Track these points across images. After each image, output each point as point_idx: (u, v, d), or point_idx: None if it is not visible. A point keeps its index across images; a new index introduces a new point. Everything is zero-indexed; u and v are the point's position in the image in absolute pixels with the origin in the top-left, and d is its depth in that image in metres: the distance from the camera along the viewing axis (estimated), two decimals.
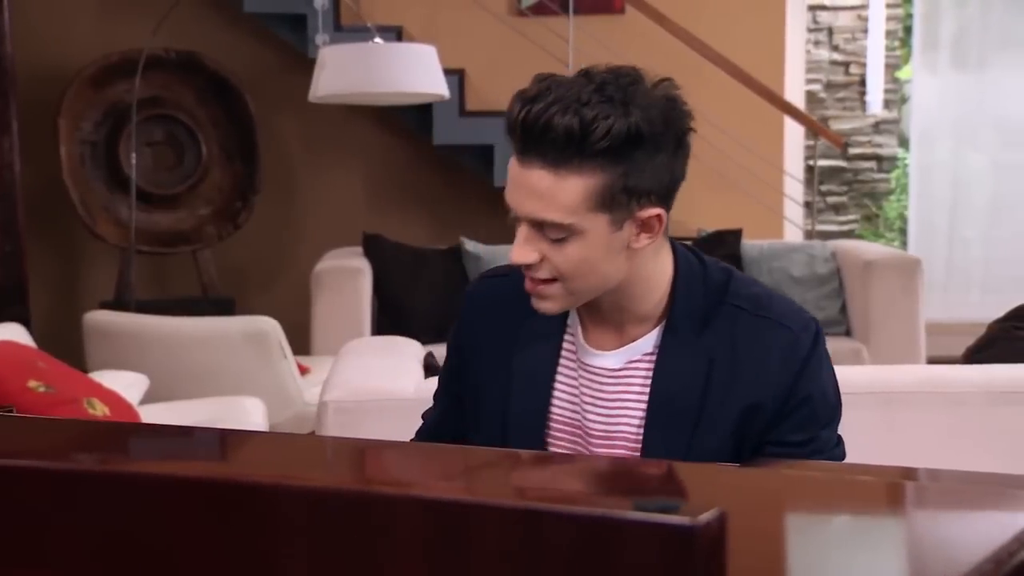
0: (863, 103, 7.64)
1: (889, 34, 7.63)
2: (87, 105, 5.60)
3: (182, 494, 0.78)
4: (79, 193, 5.51)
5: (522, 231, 1.52)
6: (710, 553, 0.60)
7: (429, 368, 2.68)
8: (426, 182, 6.03)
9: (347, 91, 4.55)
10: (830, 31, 7.59)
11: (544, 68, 5.71)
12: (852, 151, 7.57)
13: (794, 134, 6.21)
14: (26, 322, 4.37)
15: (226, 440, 1.16)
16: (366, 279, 4.90)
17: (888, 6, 7.59)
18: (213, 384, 3.86)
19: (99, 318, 4.21)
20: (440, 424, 1.78)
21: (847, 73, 7.62)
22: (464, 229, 5.57)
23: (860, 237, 7.47)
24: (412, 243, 5.30)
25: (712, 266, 1.62)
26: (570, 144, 1.44)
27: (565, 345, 1.64)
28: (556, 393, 1.63)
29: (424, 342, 3.10)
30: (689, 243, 1.72)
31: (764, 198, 5.76)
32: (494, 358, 1.65)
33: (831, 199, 7.68)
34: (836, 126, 7.48)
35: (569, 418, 1.63)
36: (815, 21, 7.50)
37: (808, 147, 6.56)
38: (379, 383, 2.47)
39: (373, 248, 5.10)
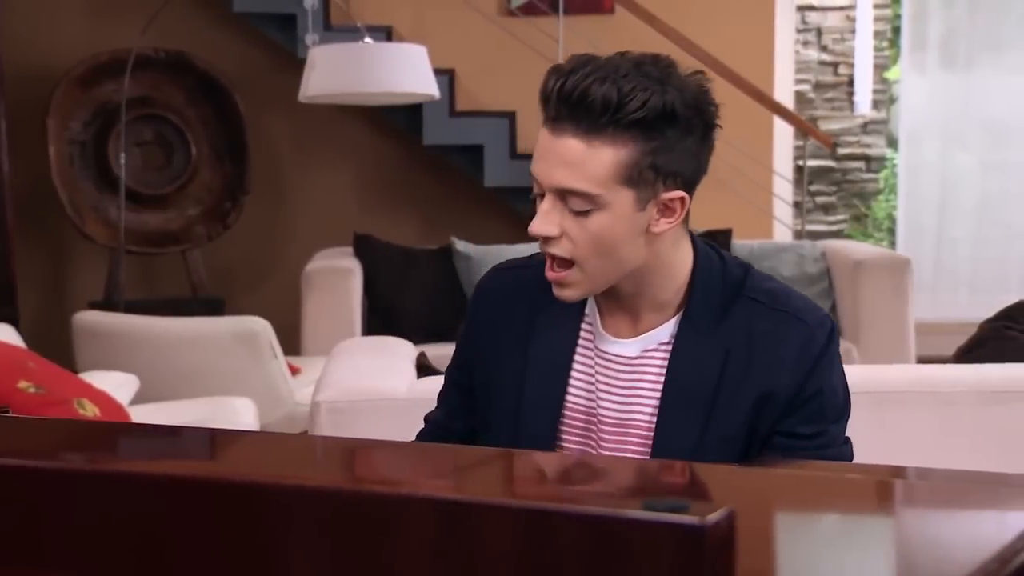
0: (851, 103, 7.66)
1: (878, 35, 7.65)
2: (76, 105, 5.58)
3: (184, 493, 0.77)
4: (68, 193, 5.50)
5: (545, 203, 1.53)
6: (719, 552, 0.60)
7: (422, 368, 2.68)
8: (416, 182, 6.02)
9: (337, 91, 4.55)
10: (819, 31, 7.61)
11: (534, 68, 5.70)
12: (841, 151, 7.59)
13: (783, 134, 6.22)
14: (15, 322, 4.35)
15: (223, 440, 1.15)
16: (356, 279, 4.89)
17: (877, 7, 7.61)
18: (203, 384, 3.85)
19: (89, 318, 4.19)
20: (449, 422, 1.78)
21: (836, 73, 7.64)
22: (454, 229, 5.57)
23: (849, 237, 7.49)
24: (402, 243, 5.30)
25: (730, 261, 1.64)
26: (605, 113, 1.46)
27: (582, 333, 1.65)
28: (572, 381, 1.64)
29: (415, 342, 3.09)
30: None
31: (754, 198, 5.77)
32: (509, 348, 1.66)
33: (820, 199, 7.69)
34: (825, 126, 7.50)
35: (584, 406, 1.63)
36: (804, 21, 7.52)
37: (797, 147, 6.58)
38: (372, 383, 2.47)
39: (363, 248, 5.09)
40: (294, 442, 1.23)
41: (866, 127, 7.70)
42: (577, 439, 1.64)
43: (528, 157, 5.66)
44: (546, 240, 1.54)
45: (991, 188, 7.09)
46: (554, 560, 0.63)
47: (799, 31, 7.38)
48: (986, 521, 1.10)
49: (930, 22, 7.08)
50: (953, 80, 7.07)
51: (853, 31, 7.59)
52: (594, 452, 1.63)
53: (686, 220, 1.58)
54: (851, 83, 7.64)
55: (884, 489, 1.27)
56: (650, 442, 1.59)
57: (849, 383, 1.66)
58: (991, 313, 3.00)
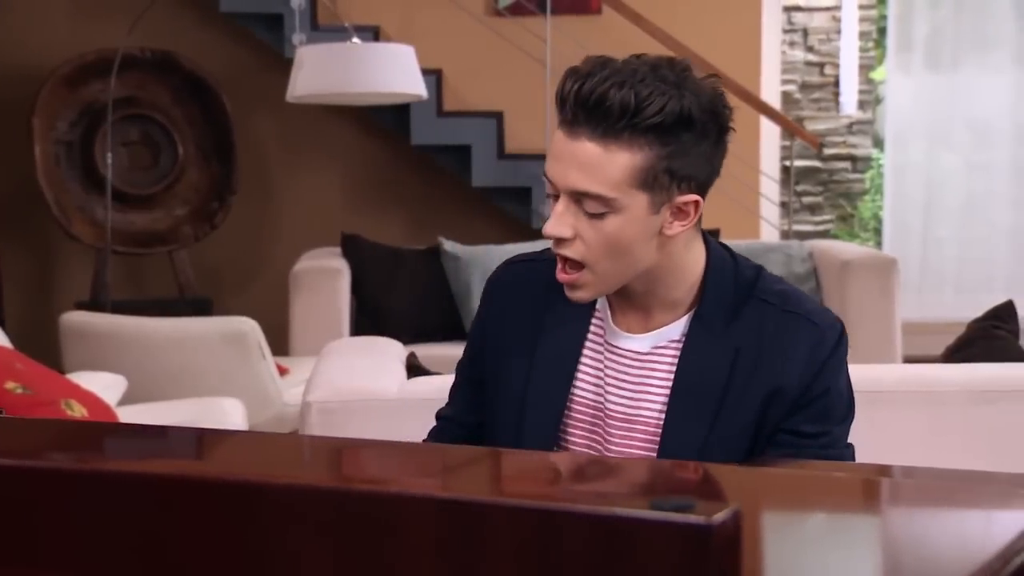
0: (838, 104, 7.69)
1: (863, 35, 7.67)
2: (62, 104, 5.56)
3: (185, 493, 0.77)
4: (54, 193, 5.48)
5: (559, 205, 1.53)
6: (725, 551, 0.60)
7: (412, 369, 2.68)
8: (404, 182, 6.02)
9: (325, 91, 4.54)
10: (805, 32, 7.63)
11: (522, 69, 5.67)
12: (827, 151, 7.61)
13: (770, 134, 6.24)
14: (0, 323, 4.34)
15: (220, 440, 1.15)
16: (344, 279, 4.88)
17: (862, 7, 7.63)
18: (192, 385, 3.84)
19: (76, 319, 4.18)
20: (461, 417, 1.78)
21: (822, 74, 7.66)
22: (442, 229, 5.56)
23: (835, 237, 7.51)
24: (390, 243, 5.30)
25: (742, 262, 1.65)
26: (623, 117, 1.47)
27: (592, 328, 1.66)
28: (579, 375, 1.65)
29: (403, 342, 3.09)
30: None
31: (741, 198, 5.78)
32: (518, 341, 1.67)
33: (806, 199, 7.71)
34: (811, 127, 7.52)
35: (591, 400, 1.64)
36: (790, 22, 7.54)
37: (784, 147, 6.59)
38: (362, 383, 2.46)
39: (352, 248, 5.09)
40: (291, 442, 1.22)
41: (852, 127, 7.72)
42: (584, 434, 1.65)
43: (515, 157, 5.71)
44: (559, 241, 1.54)
45: (976, 188, 7.12)
46: (560, 560, 0.63)
47: (785, 32, 7.39)
48: (971, 520, 1.11)
49: (915, 23, 7.10)
50: (938, 80, 7.09)
51: (839, 32, 7.61)
52: (600, 447, 1.64)
53: (698, 222, 1.59)
54: (837, 83, 7.66)
55: (870, 488, 1.28)
56: (657, 438, 1.59)
57: None
58: (977, 313, 3.01)
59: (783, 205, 6.63)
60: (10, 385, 3.06)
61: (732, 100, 1.59)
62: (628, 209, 1.50)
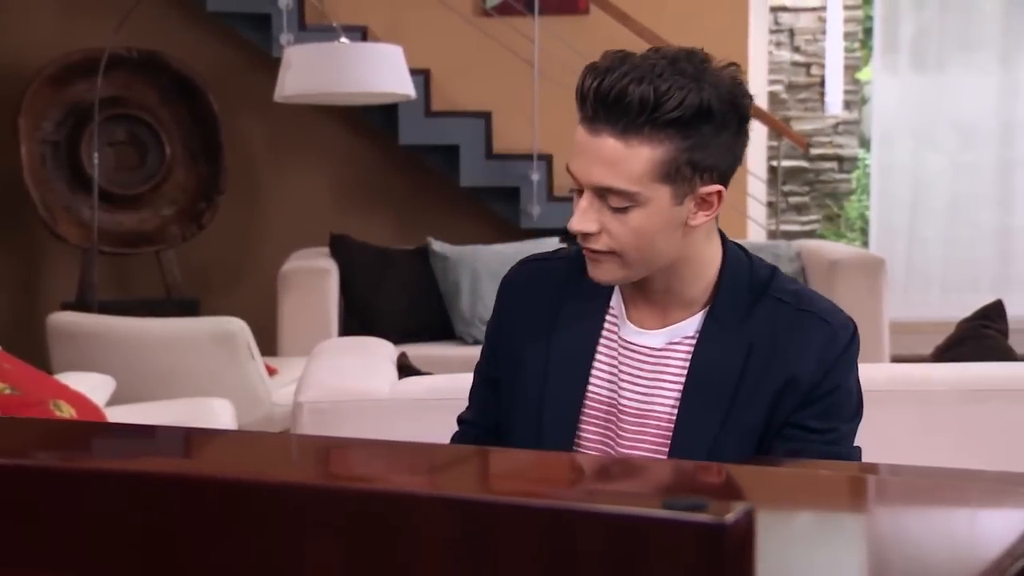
0: (824, 104, 7.71)
1: (850, 36, 7.69)
2: (48, 104, 5.54)
3: (191, 493, 0.77)
4: (40, 193, 5.45)
5: (584, 200, 1.55)
6: (740, 550, 0.60)
7: (403, 369, 2.68)
8: (392, 182, 6.01)
9: (313, 91, 4.54)
10: (791, 32, 7.64)
11: (510, 69, 5.66)
12: (813, 152, 7.63)
13: (757, 134, 6.25)
14: None
15: (215, 440, 1.15)
16: (333, 279, 4.88)
17: (848, 8, 7.65)
18: (180, 386, 3.83)
19: (64, 319, 4.16)
20: (481, 419, 1.78)
21: (808, 74, 7.68)
22: (430, 229, 5.56)
23: (822, 237, 7.53)
24: (378, 243, 5.29)
25: (757, 261, 1.66)
26: (643, 112, 1.48)
27: (606, 325, 1.67)
28: (594, 372, 1.66)
29: (393, 343, 3.09)
30: None
31: (728, 198, 5.78)
32: (533, 339, 1.68)
33: (793, 199, 7.73)
34: (797, 127, 7.54)
35: (605, 397, 1.65)
36: (776, 22, 7.55)
37: (771, 147, 6.61)
38: (354, 383, 2.46)
39: (340, 248, 5.08)
40: (298, 442, 1.22)
41: (838, 127, 7.75)
42: (597, 429, 1.65)
43: (503, 157, 5.71)
44: (585, 236, 1.56)
45: (962, 188, 7.15)
46: (574, 559, 0.63)
47: (772, 32, 7.41)
48: (956, 518, 1.11)
49: (901, 23, 7.13)
50: (924, 81, 7.12)
51: (825, 32, 7.63)
52: (612, 443, 1.65)
53: (717, 217, 1.61)
54: (823, 84, 7.68)
55: (857, 485, 1.28)
56: (669, 434, 1.60)
57: None
58: (963, 312, 3.03)
59: (770, 205, 6.64)
60: None
61: None
62: (652, 202, 1.51)
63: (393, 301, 4.99)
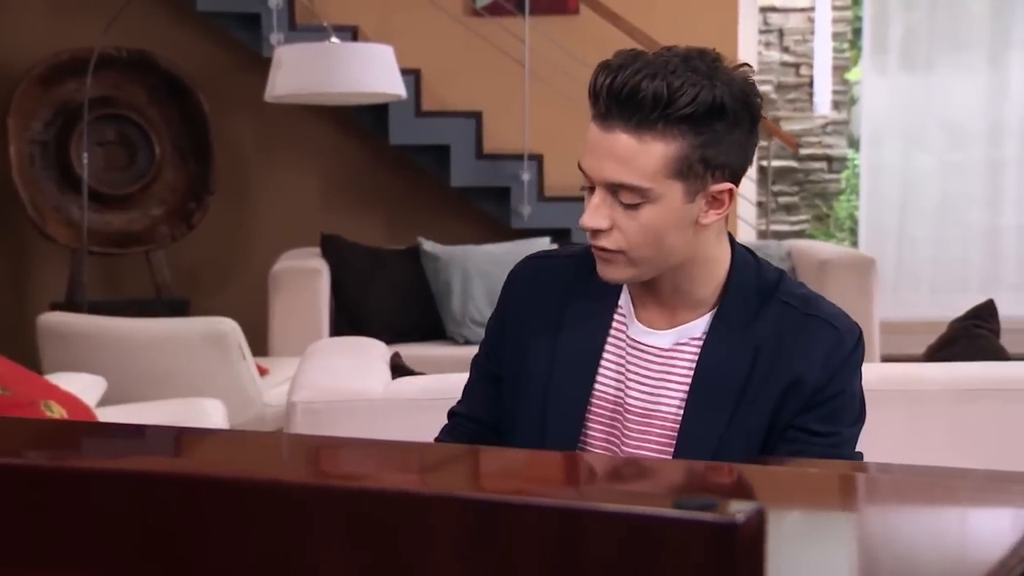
0: (813, 104, 7.72)
1: (839, 36, 7.71)
2: (37, 104, 5.52)
3: (196, 492, 0.77)
4: (29, 193, 5.44)
5: (595, 196, 1.55)
6: (750, 549, 0.60)
7: (396, 369, 2.68)
8: (382, 182, 6.01)
9: (304, 91, 4.53)
10: (781, 33, 7.66)
11: (500, 68, 5.65)
12: (803, 152, 7.65)
13: None
14: None
15: (211, 439, 1.15)
16: (324, 280, 4.88)
17: (837, 8, 7.67)
18: (171, 386, 3.82)
19: (54, 319, 4.15)
20: (477, 413, 1.77)
21: (797, 74, 7.70)
22: (421, 229, 5.56)
23: (811, 237, 7.55)
24: (368, 243, 5.28)
25: (765, 264, 1.67)
26: (656, 108, 1.48)
27: (615, 324, 1.67)
28: (601, 370, 1.66)
29: (385, 343, 3.09)
30: None
31: None
32: (539, 337, 1.67)
33: (782, 199, 7.75)
34: (787, 127, 7.55)
35: (612, 396, 1.65)
36: (766, 23, 7.57)
37: (761, 147, 6.61)
38: (347, 383, 2.46)
39: (331, 248, 5.08)
40: (303, 442, 1.22)
41: (827, 128, 7.76)
42: (602, 428, 1.66)
43: (494, 157, 5.70)
44: (595, 233, 1.56)
45: (950, 188, 7.17)
46: (584, 559, 0.63)
47: (761, 32, 7.42)
48: (945, 516, 1.11)
49: (890, 24, 7.14)
50: (913, 81, 7.14)
51: (814, 32, 7.65)
52: (618, 442, 1.65)
53: (727, 219, 1.61)
54: (812, 84, 7.70)
55: (846, 483, 1.28)
56: (674, 434, 1.61)
57: None
58: (952, 312, 3.04)
59: (760, 205, 6.65)
60: None
61: None
62: (664, 198, 1.52)
63: (384, 301, 4.99)
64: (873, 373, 2.75)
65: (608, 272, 1.59)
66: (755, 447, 1.58)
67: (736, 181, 1.57)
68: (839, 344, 1.60)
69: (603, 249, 1.57)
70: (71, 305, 5.19)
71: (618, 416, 1.64)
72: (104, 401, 3.56)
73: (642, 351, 1.64)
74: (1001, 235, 7.14)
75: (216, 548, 0.74)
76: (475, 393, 1.79)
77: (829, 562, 0.93)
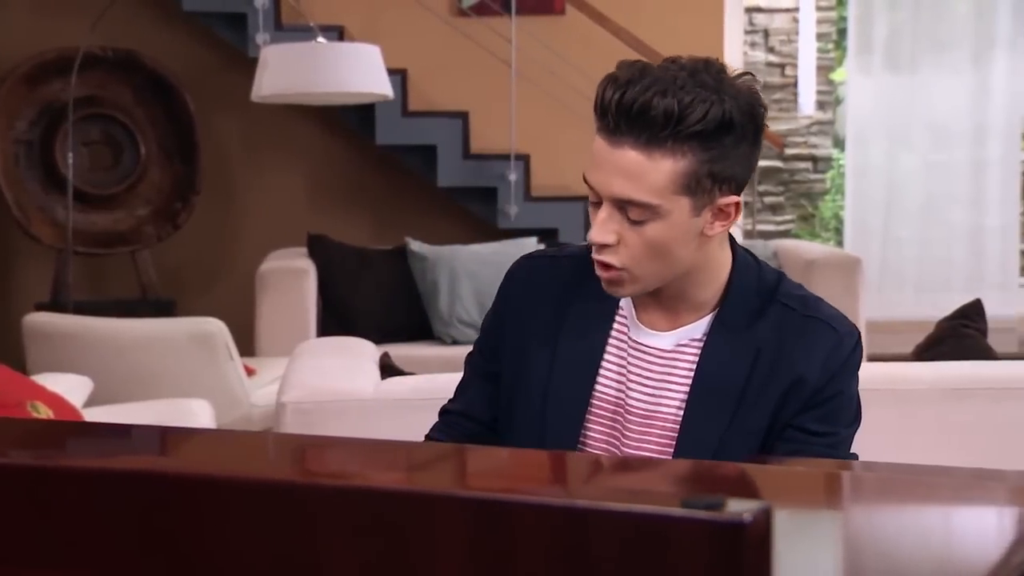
0: (798, 104, 7.74)
1: (824, 37, 7.73)
2: (21, 103, 5.50)
3: (199, 492, 0.77)
4: (13, 193, 5.42)
5: (603, 211, 1.55)
6: (758, 548, 0.61)
7: (385, 368, 2.68)
8: (369, 182, 6.00)
9: (290, 91, 4.53)
10: (766, 33, 7.68)
11: (486, 68, 5.67)
12: (788, 152, 7.66)
13: None
14: None
15: (189, 437, 1.14)
16: (311, 280, 4.87)
17: (821, 9, 7.69)
18: (158, 386, 3.81)
19: (40, 320, 4.13)
20: (472, 412, 1.76)
21: (783, 75, 7.71)
22: (408, 229, 5.55)
23: (797, 237, 7.57)
24: (355, 243, 5.28)
25: (765, 266, 1.68)
26: (667, 126, 1.48)
27: (616, 326, 1.67)
28: (602, 371, 1.66)
29: (373, 343, 3.08)
30: None
31: None
32: (539, 337, 1.67)
33: (768, 199, 7.76)
34: (772, 127, 7.56)
35: (613, 396, 1.65)
36: (751, 23, 7.58)
37: None
38: (337, 383, 2.46)
39: (318, 249, 5.07)
40: (305, 442, 1.22)
41: (812, 128, 7.78)
42: (603, 429, 1.66)
43: (481, 157, 5.70)
44: (601, 247, 1.56)
45: (935, 188, 7.19)
46: (591, 559, 0.63)
47: (747, 32, 7.44)
48: (929, 514, 1.12)
49: (875, 24, 7.17)
50: (898, 81, 7.16)
51: (799, 33, 7.66)
52: (618, 443, 1.65)
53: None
54: (798, 84, 7.72)
55: (831, 481, 1.29)
56: (675, 435, 1.61)
57: None
58: (937, 312, 3.05)
59: (746, 205, 6.66)
60: None
61: None
62: (672, 214, 1.52)
63: (371, 301, 4.98)
64: (862, 372, 2.76)
65: (614, 291, 1.60)
66: (755, 448, 1.59)
67: (740, 192, 1.58)
68: (839, 346, 1.61)
69: (608, 267, 1.57)
70: (56, 305, 5.17)
71: (619, 417, 1.65)
72: (90, 402, 3.55)
73: (644, 352, 1.64)
74: (985, 235, 7.16)
75: (214, 548, 0.74)
76: (471, 391, 1.78)
77: (813, 560, 0.93)
